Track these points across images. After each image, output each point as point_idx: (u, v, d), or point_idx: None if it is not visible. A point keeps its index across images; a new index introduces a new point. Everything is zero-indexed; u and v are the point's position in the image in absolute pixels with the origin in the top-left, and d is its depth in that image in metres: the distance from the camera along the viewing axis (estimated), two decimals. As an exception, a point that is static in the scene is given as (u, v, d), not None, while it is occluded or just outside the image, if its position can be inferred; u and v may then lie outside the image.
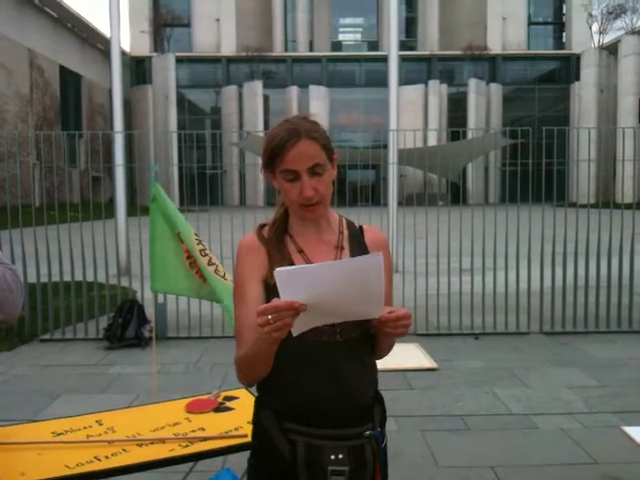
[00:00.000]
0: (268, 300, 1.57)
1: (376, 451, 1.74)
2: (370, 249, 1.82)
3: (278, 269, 1.42)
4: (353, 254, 1.78)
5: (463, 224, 7.43)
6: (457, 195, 9.19)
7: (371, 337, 1.76)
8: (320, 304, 1.43)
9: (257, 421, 1.80)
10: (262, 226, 1.84)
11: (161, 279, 4.71)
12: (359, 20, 59.55)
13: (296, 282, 1.41)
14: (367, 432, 1.73)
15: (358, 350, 1.74)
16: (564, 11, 56.47)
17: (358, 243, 1.84)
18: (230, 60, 53.34)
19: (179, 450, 2.58)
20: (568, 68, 52.98)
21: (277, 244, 1.77)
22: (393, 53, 12.16)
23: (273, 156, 1.70)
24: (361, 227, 1.90)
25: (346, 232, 1.86)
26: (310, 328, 1.52)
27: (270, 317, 1.40)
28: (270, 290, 1.64)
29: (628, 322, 7.56)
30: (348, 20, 59.75)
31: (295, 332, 1.48)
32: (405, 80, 43.97)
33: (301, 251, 1.77)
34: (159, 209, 4.74)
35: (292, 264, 1.70)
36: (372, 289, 1.47)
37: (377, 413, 1.80)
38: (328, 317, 1.52)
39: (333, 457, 1.67)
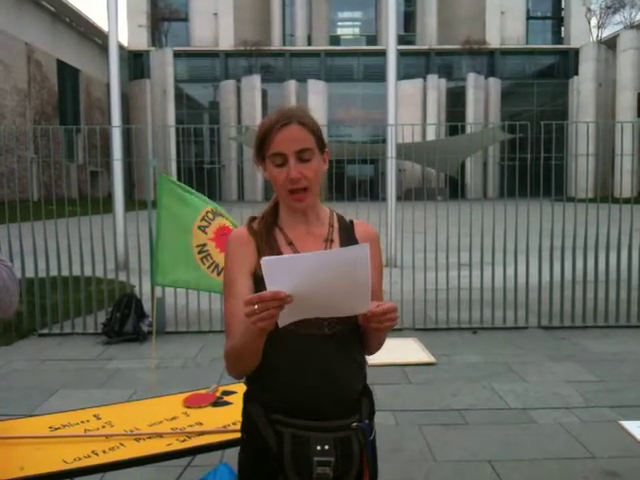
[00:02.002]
0: (257, 292, 1.57)
1: (363, 443, 1.74)
2: (360, 243, 1.81)
3: (264, 258, 1.42)
4: (343, 247, 1.77)
5: (462, 219, 7.42)
6: (456, 190, 9.19)
7: (360, 331, 1.75)
8: (306, 296, 1.43)
9: (245, 414, 1.81)
10: (253, 219, 1.85)
11: (165, 273, 4.72)
12: (357, 14, 59.44)
13: (282, 271, 1.41)
14: (354, 424, 1.74)
15: (346, 344, 1.74)
16: (563, 5, 56.43)
17: (348, 236, 1.83)
18: (228, 54, 53.26)
19: (177, 444, 2.58)
20: (566, 63, 52.96)
21: (266, 236, 1.77)
22: (391, 47, 12.14)
23: (263, 140, 1.72)
24: (351, 221, 1.90)
25: (336, 225, 1.86)
26: (298, 320, 1.51)
27: (256, 307, 1.40)
28: (259, 282, 1.64)
29: (626, 317, 7.56)
30: (346, 14, 59.65)
31: (281, 323, 1.48)
32: (403, 74, 43.98)
33: (291, 243, 1.77)
34: (167, 201, 4.75)
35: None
36: (359, 281, 1.46)
37: (365, 406, 1.81)
38: (315, 311, 1.52)
39: (319, 448, 1.68)
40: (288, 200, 1.75)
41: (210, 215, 4.63)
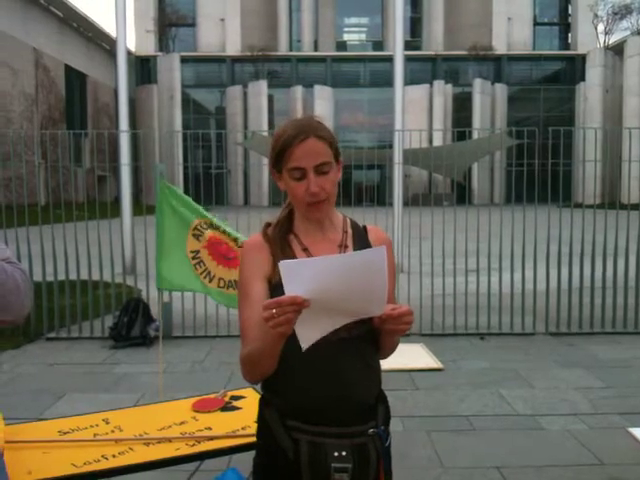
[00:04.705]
0: (273, 297, 1.57)
1: (380, 449, 1.74)
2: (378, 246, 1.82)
3: (283, 261, 1.43)
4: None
5: (469, 224, 7.42)
6: (462, 195, 9.19)
7: (375, 335, 1.76)
8: (323, 299, 1.43)
9: (261, 420, 1.81)
10: (268, 225, 1.86)
11: (167, 277, 4.76)
12: (364, 20, 59.45)
13: (300, 274, 1.41)
14: (370, 430, 1.74)
15: (362, 348, 1.75)
16: (570, 11, 56.31)
17: (362, 242, 1.84)
18: (235, 60, 53.35)
19: (185, 449, 2.58)
20: (573, 68, 52.84)
21: (281, 243, 1.78)
22: (398, 53, 12.14)
23: (281, 153, 1.72)
24: (365, 227, 1.92)
25: (350, 231, 1.87)
26: (318, 339, 1.51)
27: (274, 311, 1.41)
28: (274, 289, 1.65)
29: (634, 323, 7.54)
30: (353, 20, 59.66)
31: (304, 346, 1.49)
32: (410, 80, 43.85)
33: (305, 249, 1.78)
34: (167, 207, 4.78)
35: None
36: (375, 283, 1.47)
37: (381, 412, 1.81)
38: (332, 317, 1.52)
39: (336, 454, 1.68)
40: (306, 211, 1.76)
41: (204, 225, 4.67)
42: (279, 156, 1.73)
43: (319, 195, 1.71)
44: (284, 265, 1.42)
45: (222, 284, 4.53)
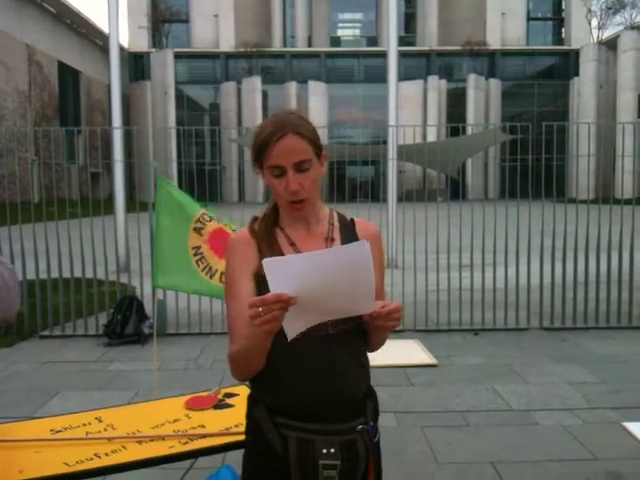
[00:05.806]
0: (260, 293, 1.55)
1: (369, 445, 1.74)
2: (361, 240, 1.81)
3: (266, 259, 1.41)
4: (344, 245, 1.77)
5: (462, 220, 7.41)
6: (456, 191, 9.19)
7: (363, 330, 1.75)
8: (310, 296, 1.42)
9: (250, 416, 1.81)
10: (255, 219, 1.85)
11: (164, 275, 4.74)
12: (358, 15, 59.41)
13: (284, 272, 1.40)
14: (359, 427, 1.73)
15: (351, 344, 1.74)
16: (563, 6, 56.42)
17: (349, 234, 1.83)
18: (229, 56, 53.26)
19: (179, 447, 2.57)
20: (567, 63, 52.93)
21: (267, 237, 1.77)
22: (392, 49, 12.14)
23: (260, 151, 1.71)
24: (352, 219, 1.90)
25: (337, 224, 1.85)
26: (304, 329, 1.50)
27: (260, 310, 1.40)
28: (261, 282, 1.62)
29: (628, 318, 7.55)
30: (347, 15, 59.64)
31: (290, 336, 1.48)
32: (404, 76, 43.86)
33: (292, 244, 1.77)
34: (166, 203, 4.76)
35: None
36: (361, 278, 1.46)
37: (369, 408, 1.80)
38: (319, 313, 1.51)
39: (325, 451, 1.67)
40: (288, 209, 1.76)
41: (206, 217, 4.66)
42: (259, 153, 1.72)
43: (298, 193, 1.70)
44: (267, 263, 1.40)
45: (224, 279, 4.53)
